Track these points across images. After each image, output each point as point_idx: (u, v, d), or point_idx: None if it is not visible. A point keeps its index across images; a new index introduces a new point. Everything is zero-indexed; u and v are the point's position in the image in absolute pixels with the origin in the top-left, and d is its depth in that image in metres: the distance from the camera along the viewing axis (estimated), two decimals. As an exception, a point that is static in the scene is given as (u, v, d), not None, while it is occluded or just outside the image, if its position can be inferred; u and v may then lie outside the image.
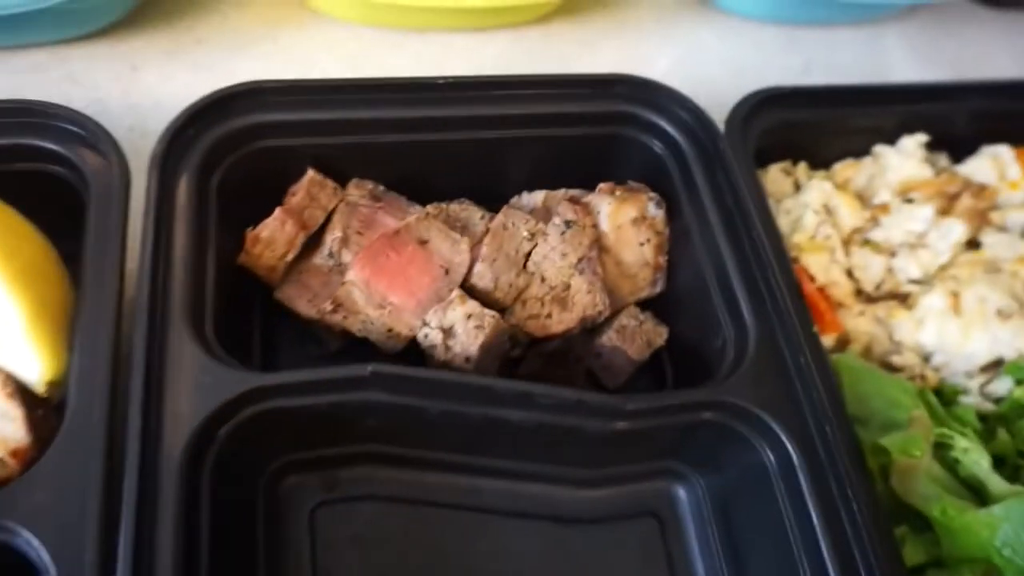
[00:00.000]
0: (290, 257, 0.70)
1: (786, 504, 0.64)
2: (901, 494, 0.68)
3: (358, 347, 0.72)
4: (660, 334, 0.78)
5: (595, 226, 0.78)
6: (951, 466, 0.71)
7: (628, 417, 0.64)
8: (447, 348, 0.65)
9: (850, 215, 0.85)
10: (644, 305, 0.80)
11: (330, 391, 0.61)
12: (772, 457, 0.65)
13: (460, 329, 0.65)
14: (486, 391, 0.61)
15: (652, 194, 0.81)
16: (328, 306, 0.66)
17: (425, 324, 0.66)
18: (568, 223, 0.76)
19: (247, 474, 0.65)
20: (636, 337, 0.76)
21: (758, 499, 0.67)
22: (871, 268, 0.83)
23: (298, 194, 0.73)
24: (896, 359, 0.79)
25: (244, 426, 0.60)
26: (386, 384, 0.61)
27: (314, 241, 0.75)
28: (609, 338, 0.76)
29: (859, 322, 0.81)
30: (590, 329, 0.75)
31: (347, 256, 0.72)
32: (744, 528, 0.70)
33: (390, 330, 0.67)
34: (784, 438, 0.63)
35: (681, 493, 0.74)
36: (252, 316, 0.75)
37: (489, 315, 0.66)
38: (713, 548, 0.72)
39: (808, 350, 0.67)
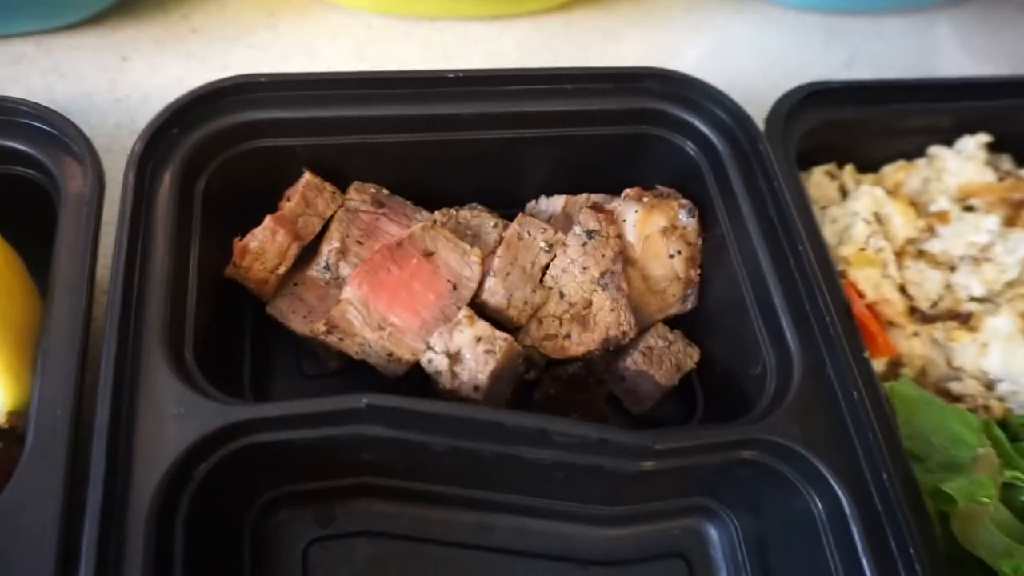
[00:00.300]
0: (282, 270, 0.64)
1: (834, 555, 0.56)
2: (964, 543, 0.60)
3: (359, 366, 0.66)
4: (691, 356, 0.70)
5: (620, 236, 0.70)
6: (1021, 511, 0.63)
7: (656, 457, 0.57)
8: (454, 375, 0.58)
9: (904, 224, 0.76)
10: (674, 324, 0.72)
11: (321, 424, 0.54)
12: (820, 503, 0.57)
13: (468, 354, 0.58)
14: (496, 428, 0.54)
15: (684, 200, 0.73)
16: (322, 327, 0.59)
17: (429, 348, 0.59)
18: (590, 233, 0.69)
19: (231, 511, 0.59)
20: (664, 360, 0.69)
21: (802, 547, 0.59)
22: (927, 284, 0.74)
23: (292, 199, 0.66)
24: (955, 386, 0.71)
25: (226, 462, 0.53)
26: (383, 418, 0.54)
27: (311, 251, 0.68)
28: (634, 361, 0.68)
29: (913, 344, 0.73)
30: (613, 351, 0.68)
31: (345, 269, 0.66)
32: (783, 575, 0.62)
33: (391, 354, 0.60)
34: (834, 483, 0.56)
35: (713, 533, 0.67)
36: (243, 332, 0.69)
37: (501, 338, 0.59)
38: (747, 594, 0.65)
39: (861, 381, 0.59)
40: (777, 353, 0.64)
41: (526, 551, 0.65)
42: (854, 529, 0.55)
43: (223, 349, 0.65)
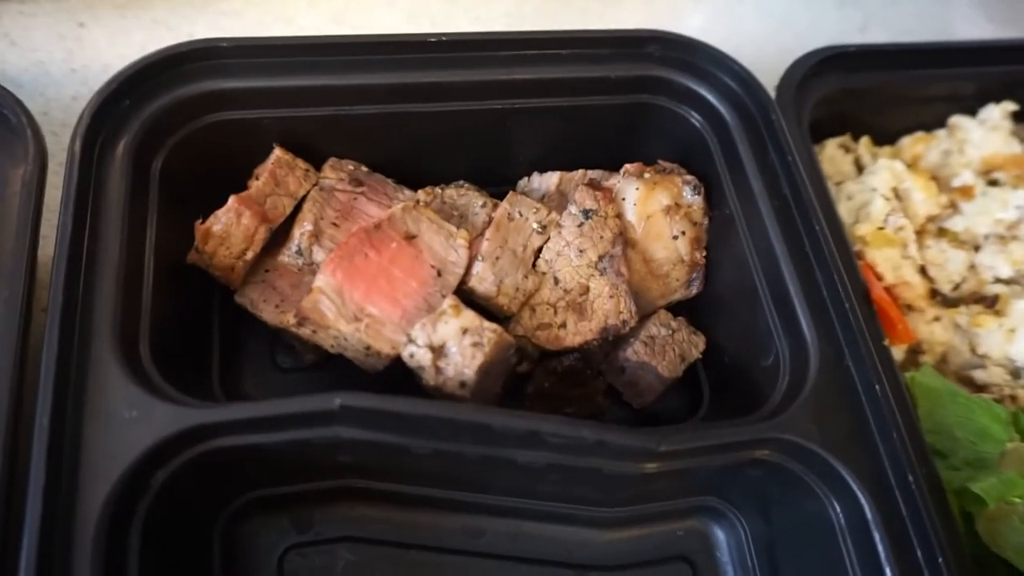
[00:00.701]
0: (250, 255, 0.58)
1: (854, 564, 0.52)
2: (990, 544, 0.56)
3: (338, 359, 0.60)
4: (696, 345, 0.65)
5: (619, 216, 0.65)
6: (1051, 510, 0.59)
7: (660, 459, 0.52)
8: (438, 371, 0.53)
9: (925, 201, 0.71)
10: (677, 310, 0.67)
11: (291, 427, 0.49)
12: (838, 507, 0.52)
13: (454, 347, 0.53)
14: (482, 429, 0.49)
15: (688, 176, 0.67)
16: (291, 319, 0.54)
17: (411, 341, 0.53)
18: (587, 212, 0.63)
19: (197, 520, 0.54)
20: (667, 349, 0.64)
21: (817, 553, 0.55)
22: (950, 265, 0.69)
23: (260, 178, 0.60)
24: (979, 375, 0.66)
25: (187, 469, 0.48)
26: (359, 419, 0.49)
27: (284, 234, 0.62)
28: (635, 351, 0.63)
29: (934, 329, 0.68)
30: (612, 340, 0.63)
31: (319, 254, 0.60)
32: (796, 583, 0.58)
33: (368, 348, 0.54)
34: (855, 486, 0.51)
35: (719, 535, 0.63)
36: (210, 323, 0.64)
37: (489, 330, 0.54)
38: (755, 600, 0.60)
39: (883, 373, 0.54)
40: (791, 342, 0.59)
41: (518, 556, 0.61)
42: (876, 536, 0.50)
43: (188, 343, 0.60)
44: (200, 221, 0.57)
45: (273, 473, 0.56)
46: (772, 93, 0.67)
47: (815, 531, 0.54)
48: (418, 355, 0.53)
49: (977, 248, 0.71)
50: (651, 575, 0.62)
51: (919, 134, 0.80)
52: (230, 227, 0.57)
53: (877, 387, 0.54)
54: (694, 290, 0.67)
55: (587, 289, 0.62)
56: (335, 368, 0.62)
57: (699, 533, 0.63)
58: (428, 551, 0.60)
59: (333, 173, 0.64)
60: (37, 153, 0.52)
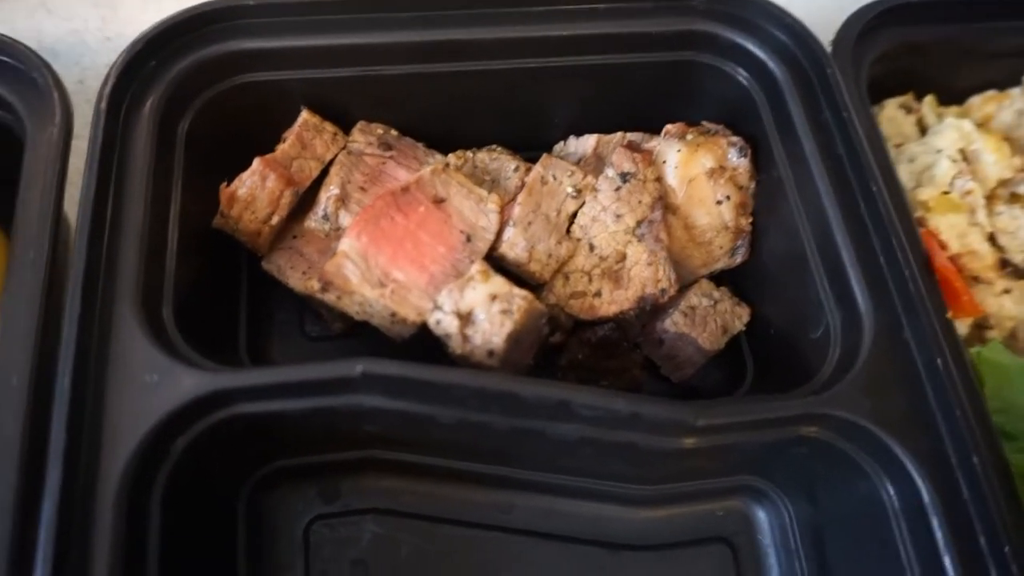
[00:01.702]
0: (275, 220, 0.57)
1: (909, 552, 0.48)
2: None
3: (366, 327, 0.59)
4: (740, 316, 0.62)
5: (659, 179, 0.61)
6: None
7: (698, 434, 0.49)
8: (465, 338, 0.51)
9: (997, 163, 0.65)
10: (721, 280, 0.63)
11: (312, 394, 0.48)
12: (892, 491, 0.49)
13: (482, 314, 0.51)
14: (511, 399, 0.46)
15: (734, 138, 0.63)
16: (316, 284, 0.53)
17: (437, 307, 0.51)
18: (624, 176, 0.60)
19: (221, 488, 0.54)
20: (708, 321, 0.61)
21: (868, 539, 0.51)
22: (1023, 232, 0.64)
23: (287, 141, 0.59)
24: (1054, 352, 0.61)
25: (208, 436, 0.48)
26: (382, 387, 0.47)
27: (312, 199, 0.61)
28: (674, 322, 0.60)
29: (1003, 303, 0.63)
30: (650, 310, 0.60)
31: (346, 218, 0.58)
32: (845, 569, 0.54)
33: (394, 314, 0.53)
34: (911, 468, 0.47)
35: (761, 516, 0.60)
36: (238, 289, 0.63)
37: (520, 296, 0.51)
38: (800, 585, 0.57)
39: (947, 346, 0.50)
40: (843, 314, 0.55)
41: (550, 533, 0.59)
42: (935, 523, 0.46)
43: (214, 309, 0.59)
44: (225, 184, 0.56)
45: (298, 442, 0.55)
46: (828, 48, 0.62)
47: (866, 515, 0.51)
48: (444, 322, 0.51)
49: (1054, 215, 0.65)
50: (689, 556, 0.59)
51: (990, 93, 0.74)
52: (255, 190, 0.55)
53: (939, 361, 0.49)
54: (739, 258, 0.63)
55: (624, 256, 0.59)
56: (364, 337, 0.60)
57: (740, 514, 0.60)
58: (457, 525, 0.58)
59: (362, 137, 0.62)
60: (63, 115, 0.52)
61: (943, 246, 0.63)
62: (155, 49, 0.56)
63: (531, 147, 0.68)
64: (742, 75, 0.64)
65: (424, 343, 0.57)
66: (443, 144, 0.66)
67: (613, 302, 0.59)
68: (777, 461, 0.55)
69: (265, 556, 0.55)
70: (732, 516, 0.60)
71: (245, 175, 0.56)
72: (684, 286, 0.62)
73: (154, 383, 0.46)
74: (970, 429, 0.47)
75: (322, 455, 0.57)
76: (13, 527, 0.40)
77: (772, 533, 0.59)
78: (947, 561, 0.46)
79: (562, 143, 0.69)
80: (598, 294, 0.59)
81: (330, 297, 0.54)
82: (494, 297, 0.51)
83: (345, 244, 0.52)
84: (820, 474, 0.53)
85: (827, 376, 0.52)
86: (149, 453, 0.45)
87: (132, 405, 0.45)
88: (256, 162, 0.56)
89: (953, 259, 0.64)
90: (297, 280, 0.59)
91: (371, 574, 0.56)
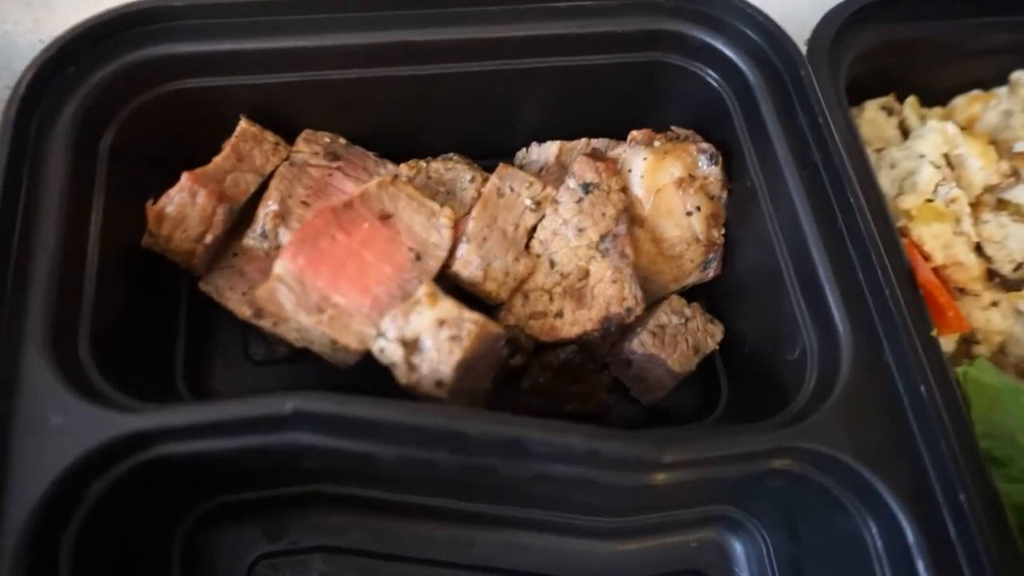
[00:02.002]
0: (209, 239, 0.53)
1: (892, 593, 0.45)
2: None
3: (314, 355, 0.55)
4: (712, 335, 0.58)
5: (624, 190, 0.57)
6: None
7: (664, 470, 0.45)
8: (411, 367, 0.47)
9: (983, 168, 0.62)
10: (692, 296, 0.60)
11: (240, 433, 0.44)
12: (874, 528, 0.45)
13: (428, 341, 0.47)
14: (456, 437, 0.42)
15: (704, 144, 0.60)
16: (247, 310, 0.48)
17: (380, 334, 0.47)
18: (586, 186, 0.56)
19: (153, 530, 0.49)
20: (679, 340, 0.57)
21: (850, 575, 0.48)
22: (1011, 241, 0.60)
23: (221, 153, 0.54)
24: (1044, 368, 0.58)
25: (129, 479, 0.43)
26: (315, 424, 0.43)
27: (252, 214, 0.57)
28: (642, 342, 0.56)
29: (990, 316, 0.60)
30: (616, 331, 0.56)
31: (286, 236, 0.54)
32: (826, 606, 0.51)
33: (335, 342, 0.49)
34: (893, 504, 0.44)
35: (738, 548, 0.56)
36: (176, 312, 0.59)
37: (470, 321, 0.47)
38: (779, 622, 0.53)
39: (930, 372, 0.46)
40: (820, 334, 0.51)
41: (512, 569, 0.55)
42: (920, 564, 0.43)
43: (147, 335, 0.55)
44: (151, 202, 0.52)
45: (235, 480, 0.51)
46: (802, 48, 0.59)
47: (847, 552, 0.47)
48: (388, 350, 0.47)
49: (1044, 222, 0.61)
50: (660, 591, 0.55)
51: (975, 92, 0.70)
52: (184, 208, 0.51)
53: (922, 387, 0.46)
54: (711, 273, 0.60)
55: (587, 273, 0.55)
56: (312, 360, 0.56)
57: (715, 545, 0.56)
58: (411, 563, 0.55)
59: (306, 147, 0.58)
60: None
61: (927, 257, 0.60)
62: (74, 54, 0.51)
63: (492, 155, 0.64)
64: (712, 77, 0.60)
65: (374, 368, 0.53)
66: (397, 153, 0.62)
67: (576, 323, 0.55)
68: (753, 491, 0.51)
69: (203, 602, 0.51)
70: (707, 547, 0.56)
71: (173, 191, 0.51)
72: (653, 303, 0.58)
73: (64, 425, 0.41)
74: (956, 461, 0.44)
75: (264, 491, 0.53)
76: None
77: (748, 565, 0.55)
78: (933, 606, 0.42)
79: (524, 150, 0.65)
80: (559, 314, 0.55)
81: (266, 324, 0.50)
82: (442, 322, 0.47)
83: (279, 267, 0.48)
84: (799, 506, 0.50)
85: (803, 404, 0.48)
86: (59, 500, 0.41)
87: (39, 450, 0.41)
88: (184, 178, 0.52)
89: (937, 271, 0.60)
90: (236, 302, 0.55)
91: (319, 618, 0.52)
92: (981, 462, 0.44)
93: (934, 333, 0.50)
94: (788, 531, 0.52)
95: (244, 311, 0.49)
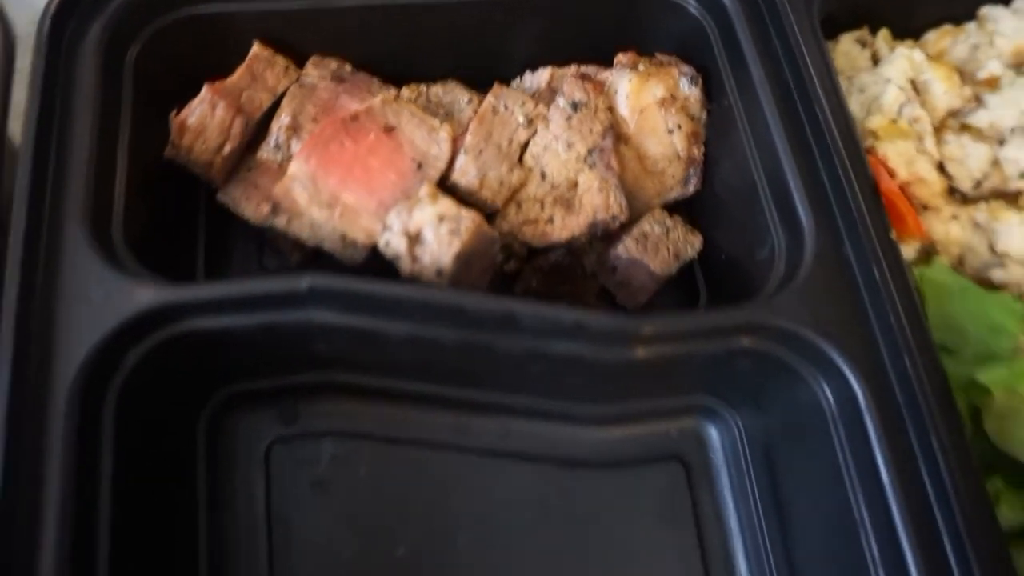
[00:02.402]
0: (227, 150, 0.57)
1: (846, 452, 0.50)
2: (997, 440, 0.54)
3: (324, 259, 0.60)
4: (691, 243, 0.63)
5: (611, 109, 0.62)
6: (1067, 408, 0.55)
7: (644, 343, 0.50)
8: (414, 258, 0.52)
9: (946, 92, 0.66)
10: (673, 208, 0.64)
11: (260, 308, 0.48)
12: (830, 394, 0.50)
13: (430, 234, 0.52)
14: (456, 311, 0.47)
15: (685, 67, 0.64)
16: (265, 206, 0.53)
17: (386, 228, 0.52)
18: (575, 104, 0.61)
19: (179, 406, 0.54)
20: (660, 247, 0.62)
21: (810, 444, 0.53)
22: (971, 159, 0.65)
23: (237, 71, 0.59)
24: (998, 274, 0.62)
25: (159, 352, 0.48)
26: (329, 301, 0.48)
27: (265, 131, 0.61)
28: (626, 248, 0.61)
29: (950, 228, 0.64)
30: (603, 237, 0.61)
31: (298, 147, 0.59)
32: (791, 479, 0.56)
33: (344, 236, 0.53)
34: (847, 371, 0.49)
35: (713, 433, 0.61)
36: (195, 222, 0.63)
37: (467, 216, 0.52)
38: (751, 500, 0.58)
39: (884, 260, 0.51)
40: (788, 234, 0.56)
41: (506, 452, 0.60)
42: (869, 422, 0.48)
43: (171, 242, 0.59)
44: (175, 113, 0.56)
45: (253, 364, 0.56)
46: (778, -23, 0.63)
47: (808, 423, 0.52)
48: (394, 242, 0.52)
49: (1001, 142, 0.66)
50: (643, 474, 0.60)
51: (946, 27, 0.74)
52: (204, 119, 0.56)
53: (876, 273, 0.51)
54: (691, 188, 0.64)
55: (575, 184, 0.60)
56: (321, 268, 0.61)
57: (693, 432, 0.61)
58: (414, 446, 0.59)
59: (315, 70, 0.63)
60: (3, 36, 0.51)
61: (892, 173, 0.64)
62: (101, -23, 0.56)
63: (489, 83, 0.68)
64: (692, 5, 0.64)
65: (378, 271, 0.58)
66: (399, 81, 0.66)
67: (565, 228, 0.59)
68: (726, 378, 0.56)
69: (225, 477, 0.56)
70: (686, 435, 0.61)
71: (194, 103, 0.56)
72: (637, 215, 0.62)
73: (103, 297, 0.46)
74: (904, 336, 0.48)
75: (280, 378, 0.58)
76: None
77: (724, 450, 0.60)
78: (880, 460, 0.47)
79: (518, 79, 0.69)
80: (550, 220, 0.60)
81: (281, 221, 0.54)
82: (442, 217, 0.52)
83: (294, 166, 0.53)
84: (765, 387, 0.55)
85: (771, 291, 0.53)
86: (100, 365, 0.46)
87: (81, 319, 0.46)
88: (205, 89, 0.56)
89: (903, 188, 0.65)
90: (252, 211, 0.59)
91: (331, 495, 0.57)
92: (930, 340, 0.49)
93: (892, 235, 0.55)
94: (757, 412, 0.57)
95: (263, 209, 0.54)
